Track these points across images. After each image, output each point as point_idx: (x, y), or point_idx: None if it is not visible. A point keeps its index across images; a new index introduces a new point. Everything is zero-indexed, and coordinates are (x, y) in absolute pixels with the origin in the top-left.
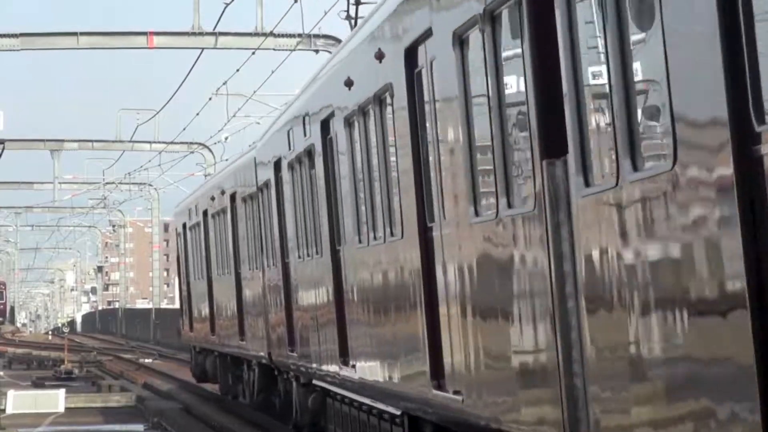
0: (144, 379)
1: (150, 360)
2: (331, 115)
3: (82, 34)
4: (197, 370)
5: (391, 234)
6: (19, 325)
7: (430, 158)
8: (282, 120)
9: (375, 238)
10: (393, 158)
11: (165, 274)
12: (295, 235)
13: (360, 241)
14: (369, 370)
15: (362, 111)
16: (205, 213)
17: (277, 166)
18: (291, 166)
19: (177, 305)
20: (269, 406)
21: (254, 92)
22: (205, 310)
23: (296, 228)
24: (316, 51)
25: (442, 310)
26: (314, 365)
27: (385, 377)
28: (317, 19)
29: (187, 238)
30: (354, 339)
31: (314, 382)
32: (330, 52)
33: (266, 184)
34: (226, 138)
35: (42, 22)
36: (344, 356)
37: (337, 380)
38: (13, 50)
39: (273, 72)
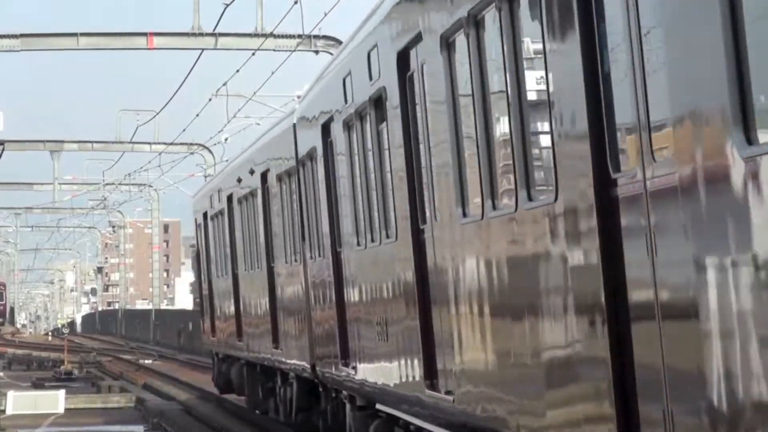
0: (144, 379)
1: (150, 361)
2: (418, 39)
3: (82, 34)
4: (220, 379)
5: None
6: (18, 326)
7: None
8: (337, 64)
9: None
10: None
11: (165, 274)
12: (353, 216)
13: (465, 215)
14: (478, 397)
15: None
16: (229, 199)
17: (326, 129)
18: (347, 126)
19: (178, 306)
20: (311, 429)
21: (254, 93)
22: (230, 312)
23: (354, 206)
24: (317, 52)
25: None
26: (379, 384)
27: (514, 414)
28: (317, 20)
29: (209, 229)
30: (448, 353)
31: (378, 406)
32: (330, 53)
33: (310, 155)
34: (226, 139)
35: (42, 22)
36: (431, 376)
37: (417, 408)
38: (13, 51)
39: (273, 73)
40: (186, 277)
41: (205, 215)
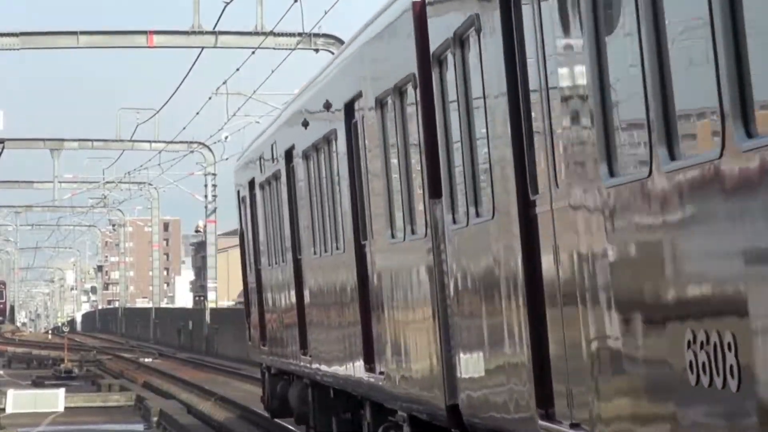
0: (144, 378)
1: (150, 359)
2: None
3: (82, 33)
4: (273, 401)
5: None
6: (18, 324)
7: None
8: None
9: None
10: None
11: (165, 273)
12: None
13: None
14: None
15: None
16: (289, 154)
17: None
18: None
19: (178, 304)
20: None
21: (254, 91)
22: (290, 314)
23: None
24: (316, 50)
25: None
26: None
27: None
28: (317, 19)
29: (256, 202)
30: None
31: None
32: (331, 52)
33: (443, 56)
34: (226, 137)
35: (42, 21)
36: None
37: None
38: (13, 49)
39: (273, 71)
40: (186, 275)
41: (251, 184)
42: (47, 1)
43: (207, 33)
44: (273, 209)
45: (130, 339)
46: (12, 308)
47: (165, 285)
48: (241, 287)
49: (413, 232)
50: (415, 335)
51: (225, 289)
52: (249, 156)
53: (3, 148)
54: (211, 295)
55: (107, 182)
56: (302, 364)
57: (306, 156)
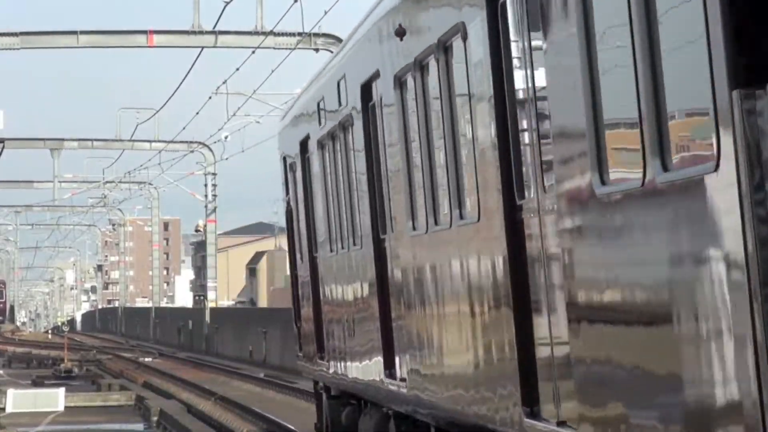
0: (144, 377)
1: (150, 359)
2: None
3: (82, 32)
4: (335, 429)
5: None
6: (18, 323)
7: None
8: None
9: None
10: None
11: (165, 272)
12: None
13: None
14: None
15: None
16: (368, 88)
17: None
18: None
19: (178, 304)
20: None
21: (254, 91)
22: (367, 319)
23: None
24: (316, 50)
25: None
26: None
27: None
28: (317, 18)
29: (312, 166)
30: None
31: None
32: (331, 51)
33: None
34: (226, 137)
35: (42, 21)
36: None
37: None
38: (13, 49)
39: (273, 71)
40: (186, 275)
41: (303, 145)
42: (47, 0)
43: (207, 33)
44: (339, 173)
45: (130, 338)
46: (12, 308)
47: (165, 284)
48: (240, 287)
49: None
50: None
51: (225, 289)
52: (300, 107)
53: (3, 147)
54: (211, 295)
55: (107, 182)
56: (388, 388)
57: (400, 83)
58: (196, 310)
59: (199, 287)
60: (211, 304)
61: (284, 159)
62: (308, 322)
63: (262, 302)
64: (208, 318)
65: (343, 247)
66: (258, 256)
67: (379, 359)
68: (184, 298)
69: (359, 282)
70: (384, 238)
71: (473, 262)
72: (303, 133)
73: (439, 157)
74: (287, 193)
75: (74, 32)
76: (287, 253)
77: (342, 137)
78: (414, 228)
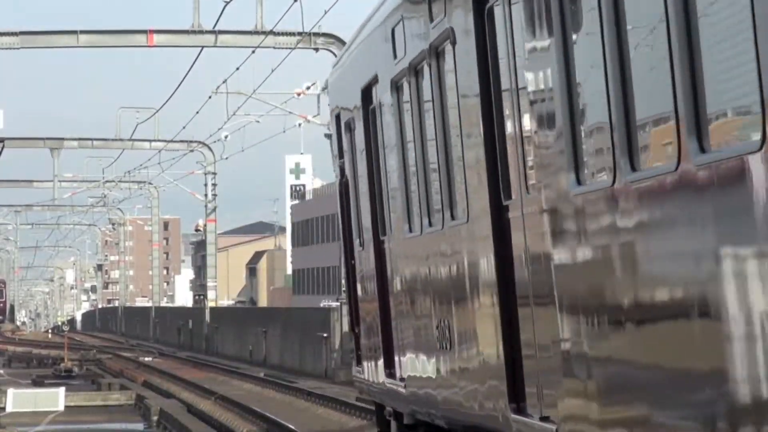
0: (144, 377)
1: (150, 358)
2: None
3: (82, 32)
4: None
5: None
6: (18, 323)
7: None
8: None
9: None
10: None
11: (164, 272)
12: None
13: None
14: None
15: None
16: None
17: None
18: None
19: (178, 303)
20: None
21: (254, 91)
22: (475, 328)
23: None
24: (316, 49)
25: None
26: None
27: None
28: (317, 18)
29: (381, 120)
30: None
31: None
32: (330, 51)
33: None
34: (226, 136)
35: (42, 20)
36: None
37: None
38: (13, 48)
39: (273, 70)
40: (186, 274)
41: (366, 94)
42: (47, 0)
43: (207, 32)
44: (430, 120)
45: (130, 338)
46: (12, 307)
47: (165, 284)
48: (240, 286)
49: None
50: None
51: (225, 289)
52: (362, 43)
53: (3, 147)
54: (210, 294)
55: (107, 181)
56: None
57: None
58: (196, 310)
59: (199, 287)
60: (211, 304)
61: (337, 116)
62: (372, 328)
63: (262, 302)
64: (208, 317)
65: (432, 224)
66: (258, 255)
67: (497, 384)
68: (184, 298)
69: (462, 273)
70: (508, 205)
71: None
72: (366, 75)
73: None
74: (341, 159)
75: (74, 32)
76: (341, 238)
77: (433, 68)
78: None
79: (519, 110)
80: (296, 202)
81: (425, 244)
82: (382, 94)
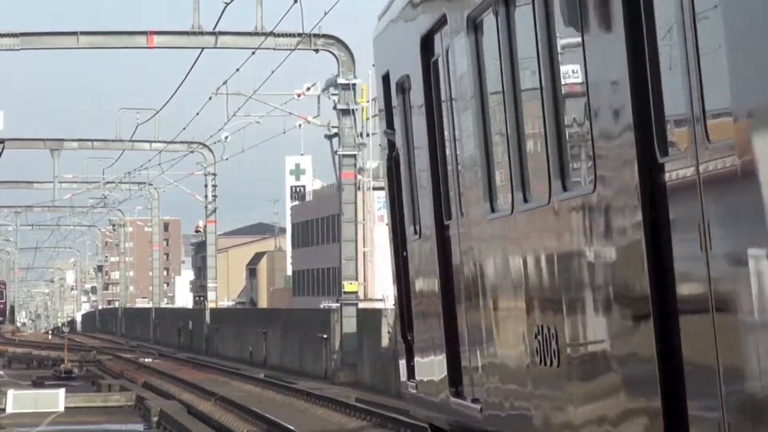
0: (144, 378)
1: (150, 359)
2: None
3: (82, 33)
4: None
5: None
6: (18, 324)
7: None
8: None
9: None
10: None
11: (165, 273)
12: None
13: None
14: None
15: None
16: None
17: None
18: None
19: (178, 304)
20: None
21: (254, 92)
22: (595, 337)
23: None
24: (316, 50)
25: None
26: None
27: None
28: (317, 19)
29: (448, 73)
30: None
31: None
32: (330, 52)
33: None
34: (226, 137)
35: (42, 21)
36: None
37: None
38: (13, 50)
39: (273, 71)
40: (186, 275)
41: (427, 44)
42: (47, 1)
43: (207, 33)
44: (518, 67)
45: (130, 339)
46: (12, 308)
47: (165, 285)
48: (240, 287)
49: None
50: None
51: (225, 289)
52: None
53: (3, 148)
54: (211, 295)
55: (107, 182)
56: None
57: None
58: (196, 311)
59: (199, 288)
60: (211, 305)
61: (385, 77)
62: (432, 334)
63: (262, 303)
64: (208, 318)
65: (530, 199)
66: (258, 256)
67: (644, 413)
68: (184, 299)
69: (580, 264)
70: (664, 163)
71: None
72: (428, 18)
73: None
74: (390, 129)
75: (74, 33)
76: (389, 227)
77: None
78: None
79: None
80: (296, 203)
81: (518, 226)
82: (453, 39)
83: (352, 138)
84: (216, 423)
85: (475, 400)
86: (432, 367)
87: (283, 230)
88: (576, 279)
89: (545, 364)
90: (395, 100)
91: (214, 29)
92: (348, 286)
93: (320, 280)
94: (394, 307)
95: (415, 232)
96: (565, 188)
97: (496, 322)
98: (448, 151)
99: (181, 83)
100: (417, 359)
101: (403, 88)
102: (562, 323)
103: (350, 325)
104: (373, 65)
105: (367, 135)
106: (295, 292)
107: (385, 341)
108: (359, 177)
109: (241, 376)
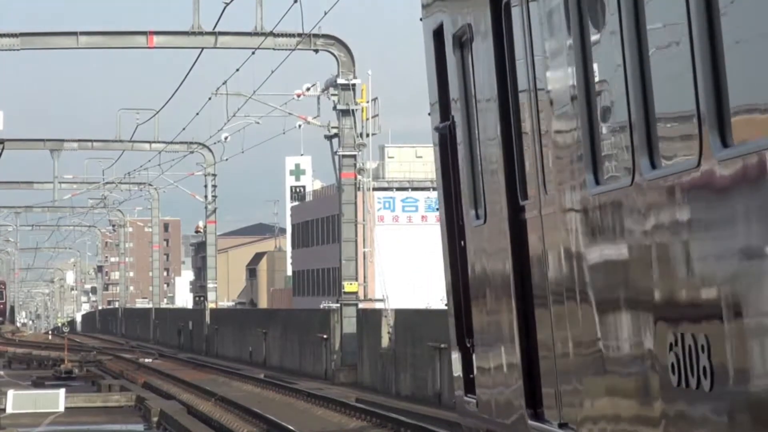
0: (144, 378)
1: (150, 359)
2: None
3: (82, 33)
4: None
5: None
6: (19, 324)
7: None
8: None
9: None
10: None
11: (165, 273)
12: None
13: None
14: None
15: None
16: None
17: None
18: None
19: (178, 305)
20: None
21: (254, 92)
22: None
23: None
24: (316, 50)
25: None
26: None
27: None
28: (317, 19)
29: (529, 17)
30: None
31: None
32: (330, 52)
33: None
34: (226, 138)
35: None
36: None
37: None
38: (13, 50)
39: (273, 72)
40: (186, 276)
41: None
42: (47, 1)
43: (207, 33)
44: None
45: (130, 339)
46: (12, 309)
47: (165, 285)
48: (240, 288)
49: None
50: None
51: (225, 290)
52: None
53: (3, 148)
54: (211, 296)
55: (107, 183)
56: None
57: None
58: (196, 311)
59: (199, 288)
60: (211, 305)
61: (437, 32)
62: (499, 340)
63: (262, 303)
64: (208, 319)
65: (658, 165)
66: (258, 257)
67: None
68: (184, 299)
69: (737, 247)
70: None
71: None
72: None
73: None
74: (441, 95)
75: (74, 33)
76: (441, 212)
77: None
78: None
79: None
80: (296, 203)
81: (643, 201)
82: None
83: (352, 138)
84: (216, 423)
85: (563, 426)
86: (501, 380)
87: (283, 231)
88: (744, 270)
89: (687, 385)
90: (451, 59)
91: (213, 29)
92: (348, 286)
93: (320, 281)
94: (446, 305)
95: (477, 217)
96: (725, 143)
97: (601, 327)
98: (527, 113)
99: (181, 83)
100: (479, 370)
101: (463, 41)
102: (719, 332)
103: (350, 325)
104: (421, 19)
105: (367, 135)
106: (295, 293)
107: (385, 341)
108: (359, 177)
109: (241, 376)
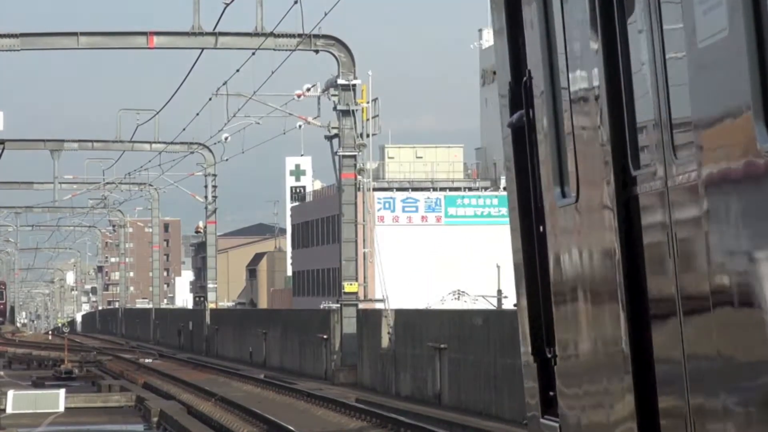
0: (144, 378)
1: (150, 360)
2: None
3: (82, 34)
4: None
5: None
6: (19, 324)
7: None
8: None
9: None
10: None
11: (165, 273)
12: None
13: None
14: None
15: None
16: None
17: None
18: None
19: (178, 305)
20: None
21: (254, 92)
22: None
23: None
24: (316, 51)
25: None
26: None
27: None
28: (317, 20)
29: None
30: None
31: None
32: (330, 53)
33: None
34: (226, 138)
35: (42, 22)
36: None
37: None
38: (13, 50)
39: (273, 72)
40: (186, 276)
41: None
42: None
43: (207, 34)
44: None
45: (131, 340)
46: (12, 309)
47: (165, 286)
48: (240, 288)
49: None
50: None
51: (225, 290)
52: None
53: (3, 149)
54: (211, 296)
55: (107, 183)
56: None
57: None
58: (196, 312)
59: (199, 288)
60: (211, 306)
61: None
62: (596, 352)
63: (262, 303)
64: (208, 319)
65: None
66: (258, 257)
67: None
68: (184, 300)
69: None
70: None
71: None
72: None
73: None
74: (513, 48)
75: (74, 33)
76: (511, 192)
77: None
78: None
79: None
80: (296, 203)
81: None
82: None
83: (352, 139)
84: (216, 423)
85: None
86: (597, 401)
87: (283, 231)
88: None
89: None
90: (528, 14)
91: (214, 30)
92: (348, 286)
93: (320, 281)
94: (515, 307)
95: (564, 195)
96: None
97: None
98: (644, 55)
99: (181, 84)
100: (563, 387)
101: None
102: None
103: (350, 325)
104: None
105: (367, 136)
106: (295, 293)
107: (385, 342)
108: (359, 178)
109: (241, 376)
